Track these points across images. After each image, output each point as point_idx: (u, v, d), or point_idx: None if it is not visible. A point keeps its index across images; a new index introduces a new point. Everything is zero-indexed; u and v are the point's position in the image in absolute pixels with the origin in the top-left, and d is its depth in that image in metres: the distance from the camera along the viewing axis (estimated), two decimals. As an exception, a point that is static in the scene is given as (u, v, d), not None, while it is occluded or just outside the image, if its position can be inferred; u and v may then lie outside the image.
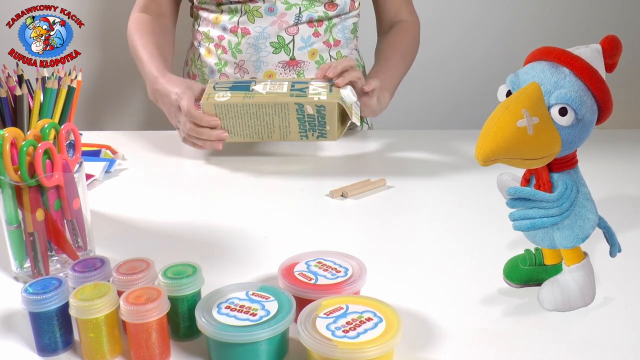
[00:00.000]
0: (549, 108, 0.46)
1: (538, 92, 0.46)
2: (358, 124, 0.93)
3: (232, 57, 1.08)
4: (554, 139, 0.46)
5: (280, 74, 1.07)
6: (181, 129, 0.96)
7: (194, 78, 1.17)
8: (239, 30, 1.06)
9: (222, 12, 1.08)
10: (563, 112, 0.46)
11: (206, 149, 0.95)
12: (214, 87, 0.93)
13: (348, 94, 0.93)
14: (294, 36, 1.06)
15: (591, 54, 0.48)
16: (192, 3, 1.15)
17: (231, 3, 1.05)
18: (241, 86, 0.94)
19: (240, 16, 1.05)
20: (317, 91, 0.93)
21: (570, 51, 0.48)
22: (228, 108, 0.89)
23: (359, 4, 1.15)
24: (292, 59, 1.07)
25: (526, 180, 0.52)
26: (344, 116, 0.93)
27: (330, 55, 1.10)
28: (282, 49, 1.06)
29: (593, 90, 0.47)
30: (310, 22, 1.06)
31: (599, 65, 0.48)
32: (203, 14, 1.11)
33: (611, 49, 0.48)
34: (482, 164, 0.47)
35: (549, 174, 0.50)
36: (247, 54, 1.06)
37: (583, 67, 0.46)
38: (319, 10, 1.06)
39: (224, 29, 1.08)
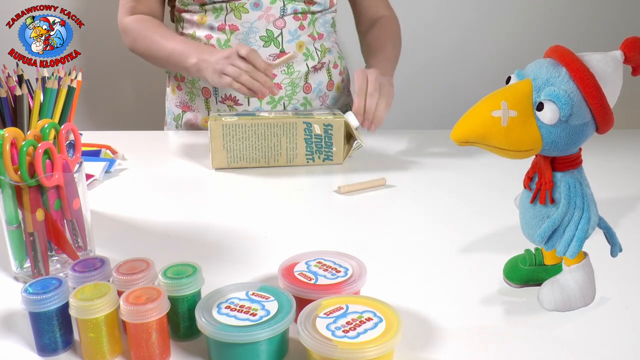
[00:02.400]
0: (535, 104, 0.46)
1: (527, 88, 0.47)
2: (364, 144, 0.96)
3: None
4: (531, 135, 0.47)
5: None
6: (232, 72, 0.95)
7: (182, 81, 1.17)
8: (227, 28, 1.07)
9: (205, 12, 1.09)
10: (540, 107, 0.46)
11: (252, 95, 0.96)
12: (218, 114, 0.94)
13: (352, 118, 0.97)
14: (281, 29, 1.08)
15: (604, 60, 0.47)
16: (173, 7, 1.16)
17: (214, 2, 1.06)
18: (246, 113, 0.96)
19: (227, 14, 1.07)
20: (322, 114, 0.96)
21: (578, 54, 0.47)
22: (236, 129, 0.90)
23: (337, 2, 1.18)
24: (282, 51, 1.09)
25: (529, 179, 0.52)
26: (347, 138, 0.96)
27: (315, 48, 1.13)
28: (272, 42, 1.08)
29: (585, 95, 0.46)
30: (295, 14, 1.09)
31: (611, 73, 0.47)
32: (186, 15, 1.12)
33: (632, 54, 0.48)
34: (457, 144, 0.48)
35: (552, 174, 0.50)
36: None
37: (578, 70, 0.46)
38: (301, 4, 1.10)
39: (211, 28, 1.08)
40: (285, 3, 1.07)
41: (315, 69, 1.14)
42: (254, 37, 1.07)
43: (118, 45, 1.66)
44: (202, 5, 1.08)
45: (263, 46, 1.08)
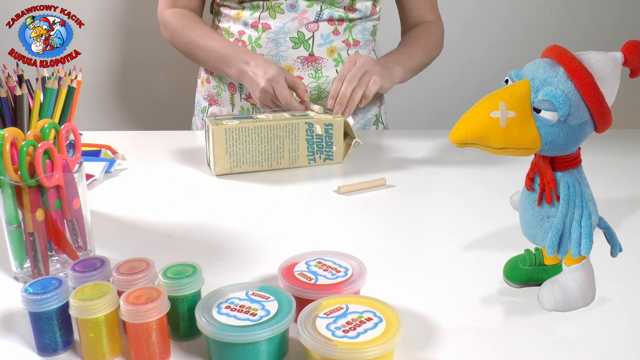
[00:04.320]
0: (533, 104, 0.46)
1: (525, 89, 0.47)
2: (361, 142, 0.96)
3: None
4: (529, 136, 0.46)
5: (299, 69, 1.08)
6: (271, 105, 1.02)
7: (211, 74, 1.18)
8: (260, 25, 1.07)
9: (243, 8, 1.09)
10: (538, 109, 0.46)
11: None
12: (215, 119, 0.93)
13: (349, 117, 0.98)
14: (313, 32, 1.08)
15: (603, 60, 0.47)
16: (213, 0, 1.16)
17: (253, 0, 1.06)
18: (244, 116, 0.95)
19: (262, 12, 1.07)
20: (320, 114, 0.96)
21: (576, 53, 0.47)
22: (239, 132, 0.89)
23: (380, 9, 1.16)
24: (311, 54, 1.08)
25: (530, 179, 0.52)
26: (345, 137, 0.96)
27: (348, 54, 1.12)
28: (302, 45, 1.08)
29: (583, 94, 0.46)
30: (330, 20, 1.08)
31: (609, 73, 0.47)
32: (224, 10, 1.13)
33: (632, 57, 0.48)
34: (456, 146, 0.48)
35: (552, 173, 0.50)
36: (267, 48, 1.08)
37: (576, 69, 0.46)
38: (340, 11, 1.08)
39: (245, 24, 1.09)
40: (323, 8, 1.07)
41: None
42: (284, 38, 1.07)
43: (118, 45, 1.66)
44: (241, 2, 1.09)
45: (292, 47, 1.08)
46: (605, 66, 0.47)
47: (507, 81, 0.49)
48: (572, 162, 0.50)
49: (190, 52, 1.12)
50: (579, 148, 0.50)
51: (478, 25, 1.73)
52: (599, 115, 0.47)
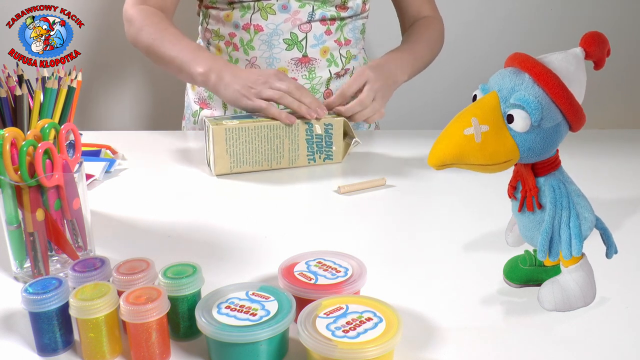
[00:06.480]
0: (505, 115, 0.46)
1: (493, 101, 0.47)
2: (360, 142, 0.96)
3: (243, 54, 1.08)
4: (506, 146, 0.46)
5: (293, 70, 1.08)
6: (271, 94, 0.91)
7: None
8: (252, 27, 1.06)
9: (233, 9, 1.07)
10: (510, 118, 0.46)
11: (289, 123, 0.90)
12: (215, 118, 0.92)
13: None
14: (306, 33, 1.07)
15: (565, 58, 0.47)
16: (201, 1, 1.14)
17: (243, 1, 1.05)
18: (243, 116, 0.94)
19: (253, 13, 1.06)
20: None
21: (538, 57, 0.47)
22: (239, 132, 0.89)
23: (369, 7, 1.16)
24: (305, 55, 1.08)
25: (513, 187, 0.52)
26: (344, 137, 0.96)
27: (340, 54, 1.12)
28: (295, 46, 1.07)
29: (552, 96, 0.46)
30: (322, 20, 1.07)
31: (574, 71, 0.47)
32: (213, 12, 1.11)
33: (592, 49, 0.48)
34: (435, 169, 0.48)
35: (534, 179, 0.50)
36: (260, 50, 1.07)
37: (541, 73, 0.46)
38: (332, 10, 1.08)
39: (236, 26, 1.07)
40: (315, 8, 1.06)
41: (338, 75, 1.12)
42: (277, 40, 1.06)
43: (118, 45, 1.66)
44: (231, 3, 1.07)
45: (286, 49, 1.07)
46: (568, 65, 0.47)
47: (474, 97, 0.49)
48: (552, 165, 0.50)
49: (155, 51, 1.02)
50: (557, 150, 0.50)
51: (477, 25, 1.73)
52: (572, 114, 0.47)
